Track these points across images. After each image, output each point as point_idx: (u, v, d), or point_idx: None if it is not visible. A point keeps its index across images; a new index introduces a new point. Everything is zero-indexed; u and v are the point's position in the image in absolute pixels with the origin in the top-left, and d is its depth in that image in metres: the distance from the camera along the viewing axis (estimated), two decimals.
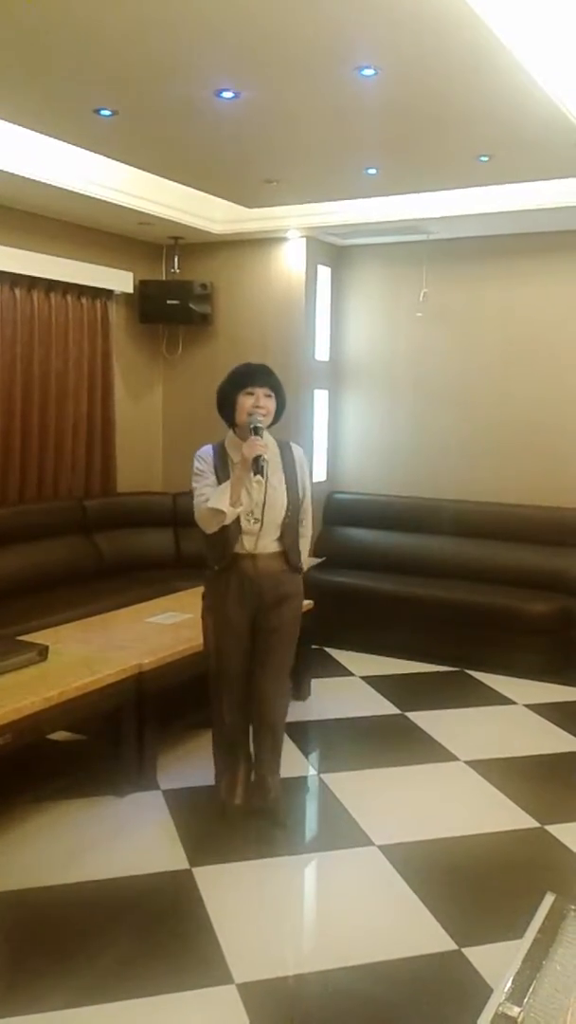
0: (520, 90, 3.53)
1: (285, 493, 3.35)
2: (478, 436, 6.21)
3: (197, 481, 3.32)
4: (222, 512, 3.17)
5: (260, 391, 3.29)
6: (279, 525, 3.33)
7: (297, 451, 3.48)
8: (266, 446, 3.22)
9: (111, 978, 2.60)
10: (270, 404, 3.31)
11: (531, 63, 3.31)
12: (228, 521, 3.22)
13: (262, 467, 3.15)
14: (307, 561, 3.44)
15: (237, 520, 3.26)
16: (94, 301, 6.06)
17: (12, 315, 5.48)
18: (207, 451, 3.38)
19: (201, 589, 3.54)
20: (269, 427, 3.33)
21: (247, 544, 3.31)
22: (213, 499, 3.18)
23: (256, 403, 3.27)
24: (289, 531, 3.36)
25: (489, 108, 3.75)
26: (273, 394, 3.33)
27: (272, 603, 3.38)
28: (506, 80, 3.42)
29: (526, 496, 6.01)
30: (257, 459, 3.13)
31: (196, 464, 3.36)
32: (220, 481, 3.27)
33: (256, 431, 3.21)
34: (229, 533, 3.27)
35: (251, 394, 3.29)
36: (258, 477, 3.16)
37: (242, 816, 3.51)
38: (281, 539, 3.35)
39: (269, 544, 3.34)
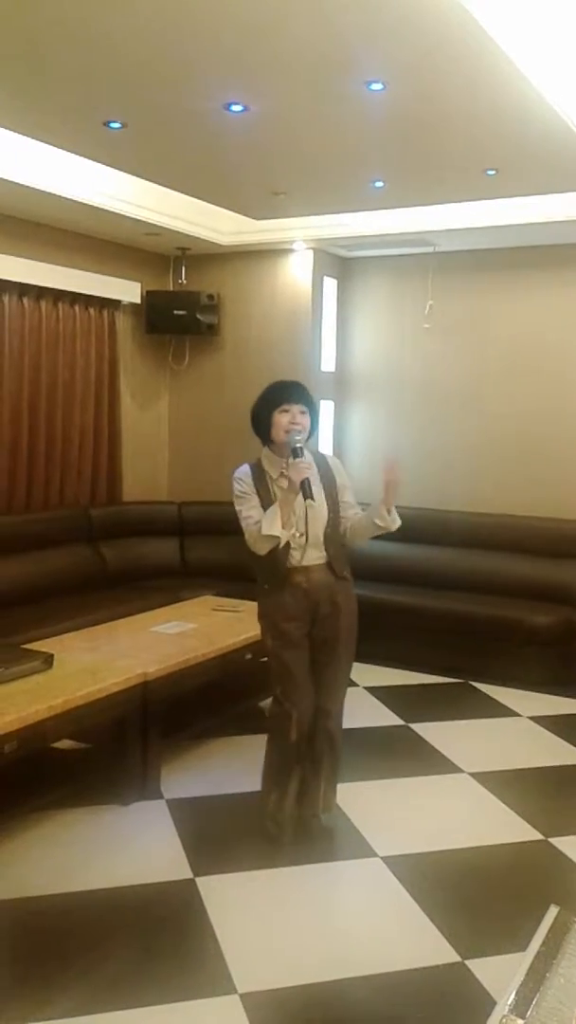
0: (528, 104, 3.55)
1: (326, 505, 3.35)
2: (483, 448, 6.22)
3: (241, 504, 3.30)
4: (277, 537, 3.18)
5: (295, 408, 3.28)
6: (322, 537, 3.33)
7: (333, 461, 3.49)
8: (310, 466, 3.23)
9: (114, 987, 2.60)
10: (305, 421, 3.30)
11: (538, 78, 3.33)
12: (281, 544, 3.22)
13: (310, 490, 3.14)
14: (393, 519, 3.37)
15: None
16: (101, 311, 6.09)
17: (20, 325, 5.51)
18: (245, 471, 3.36)
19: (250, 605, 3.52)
20: (304, 443, 3.32)
21: (296, 557, 3.31)
22: (265, 525, 3.17)
23: (292, 420, 3.26)
24: (332, 542, 3.36)
25: (497, 122, 3.78)
26: (307, 410, 3.32)
27: (328, 613, 3.36)
28: (514, 94, 3.45)
29: (532, 508, 6.01)
30: (304, 482, 3.13)
31: (236, 486, 3.33)
32: (261, 498, 3.27)
33: (297, 452, 3.21)
34: (279, 549, 3.26)
35: (287, 411, 3.27)
36: (309, 501, 3.15)
37: (285, 829, 3.46)
38: (326, 550, 3.35)
39: (316, 556, 3.33)
